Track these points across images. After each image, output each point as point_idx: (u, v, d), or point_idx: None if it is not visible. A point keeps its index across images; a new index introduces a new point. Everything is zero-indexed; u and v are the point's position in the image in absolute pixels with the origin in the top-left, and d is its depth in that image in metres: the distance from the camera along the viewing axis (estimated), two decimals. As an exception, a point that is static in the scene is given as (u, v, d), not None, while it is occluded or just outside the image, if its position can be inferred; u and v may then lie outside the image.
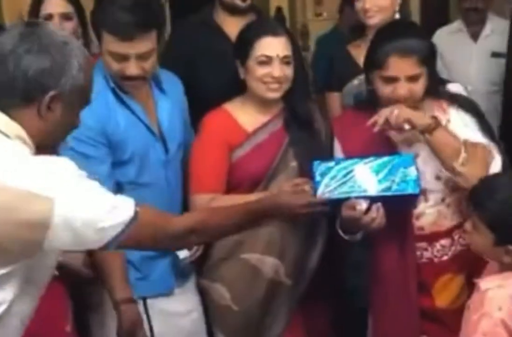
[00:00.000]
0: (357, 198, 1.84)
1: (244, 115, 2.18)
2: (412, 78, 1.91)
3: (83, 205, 1.30)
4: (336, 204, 1.88)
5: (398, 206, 1.90)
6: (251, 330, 2.17)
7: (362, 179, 1.86)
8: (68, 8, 2.55)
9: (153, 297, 2.12)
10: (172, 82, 2.23)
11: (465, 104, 2.03)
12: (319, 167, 1.89)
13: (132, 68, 1.98)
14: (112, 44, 1.96)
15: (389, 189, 1.84)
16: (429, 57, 1.95)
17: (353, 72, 2.47)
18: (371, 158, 1.88)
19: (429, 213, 2.01)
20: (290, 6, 6.33)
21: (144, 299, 2.08)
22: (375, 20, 2.43)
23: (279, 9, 6.02)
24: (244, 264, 2.14)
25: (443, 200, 2.01)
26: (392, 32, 1.99)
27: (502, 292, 1.68)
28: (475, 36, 3.56)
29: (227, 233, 1.80)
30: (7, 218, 1.25)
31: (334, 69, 2.37)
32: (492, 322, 1.64)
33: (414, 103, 1.96)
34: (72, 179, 1.31)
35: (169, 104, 2.17)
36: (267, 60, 2.08)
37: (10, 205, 1.25)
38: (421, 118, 1.90)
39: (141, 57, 1.97)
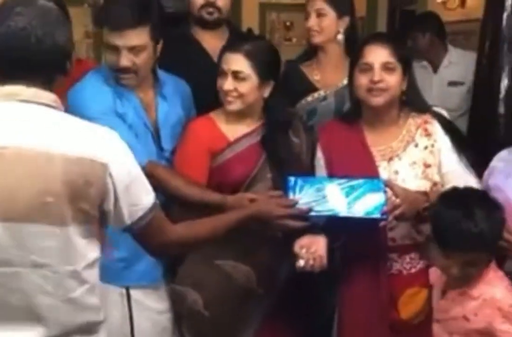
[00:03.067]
0: (327, 216, 1.94)
1: (227, 124, 2.23)
2: (387, 68, 2.03)
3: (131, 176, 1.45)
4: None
5: (364, 227, 1.97)
6: (221, 336, 2.17)
7: (332, 199, 1.94)
8: None
9: (137, 288, 2.11)
10: (172, 87, 2.31)
11: (446, 124, 2.13)
12: (293, 184, 1.96)
13: (123, 60, 2.08)
14: (107, 36, 2.08)
15: (357, 211, 1.92)
16: (404, 56, 2.07)
17: (305, 88, 2.55)
18: (344, 180, 1.96)
19: (402, 226, 2.06)
20: (260, 29, 6.44)
21: (127, 289, 2.08)
22: (316, 39, 2.53)
23: (250, 30, 6.10)
24: (218, 270, 2.16)
25: (417, 214, 2.06)
26: (373, 34, 2.13)
27: (501, 289, 1.76)
28: (435, 67, 3.91)
29: (205, 241, 1.85)
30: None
31: (287, 86, 2.42)
32: None
33: (392, 108, 2.08)
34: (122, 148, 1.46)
35: (166, 108, 2.26)
36: (223, 73, 2.16)
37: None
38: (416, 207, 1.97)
39: (132, 50, 2.08)
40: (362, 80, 2.06)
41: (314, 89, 2.55)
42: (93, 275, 1.44)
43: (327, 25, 2.51)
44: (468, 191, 1.85)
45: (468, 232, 1.70)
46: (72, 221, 1.36)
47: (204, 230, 1.72)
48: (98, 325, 1.46)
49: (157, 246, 1.58)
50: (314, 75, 2.57)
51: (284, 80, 2.38)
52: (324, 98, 2.53)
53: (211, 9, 2.51)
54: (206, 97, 2.28)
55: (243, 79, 2.14)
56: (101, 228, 1.48)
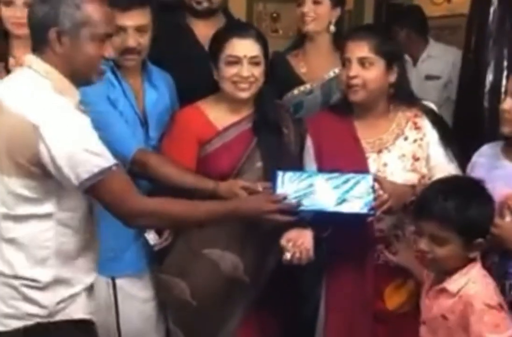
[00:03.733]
0: (315, 211, 1.94)
1: (216, 113, 2.22)
2: (364, 63, 2.04)
3: (66, 139, 1.58)
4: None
5: (352, 222, 1.98)
6: (207, 325, 2.18)
7: (321, 194, 1.95)
8: None
9: (122, 277, 2.12)
10: (161, 77, 2.32)
11: (435, 118, 2.15)
12: (281, 178, 1.96)
13: (131, 40, 2.14)
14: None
15: (345, 207, 1.93)
16: (386, 50, 2.06)
17: (292, 82, 2.55)
18: (333, 174, 1.97)
19: (390, 217, 2.08)
20: (247, 20, 6.41)
21: (113, 279, 2.09)
22: (310, 26, 2.52)
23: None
24: (205, 259, 2.16)
25: (405, 206, 2.08)
26: (359, 26, 2.17)
27: (479, 285, 1.72)
28: (414, 61, 3.93)
29: (183, 226, 1.98)
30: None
31: (273, 78, 2.41)
32: (496, 312, 1.67)
33: (373, 103, 2.09)
34: (67, 116, 1.61)
35: (155, 96, 2.26)
36: (236, 60, 2.13)
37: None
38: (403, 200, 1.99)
39: (138, 30, 2.15)
40: (343, 75, 2.08)
41: (301, 82, 2.54)
42: (37, 224, 1.63)
43: (322, 13, 2.51)
44: (461, 179, 1.88)
45: (440, 203, 1.69)
46: (13, 173, 1.60)
47: (182, 209, 1.76)
48: None
49: (119, 212, 1.68)
50: (301, 68, 2.57)
51: (271, 72, 2.39)
52: (311, 91, 2.53)
53: None
54: (194, 87, 2.28)
55: (257, 64, 2.15)
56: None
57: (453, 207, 1.70)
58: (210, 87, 2.25)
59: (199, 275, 2.16)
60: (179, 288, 2.16)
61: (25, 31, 1.82)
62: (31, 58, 1.70)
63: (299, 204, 1.93)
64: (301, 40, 2.62)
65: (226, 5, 2.99)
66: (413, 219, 1.82)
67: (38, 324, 1.65)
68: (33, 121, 1.57)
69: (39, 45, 1.69)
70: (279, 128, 2.26)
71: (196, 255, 2.17)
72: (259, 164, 2.21)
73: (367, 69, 2.04)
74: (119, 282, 2.11)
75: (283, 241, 1.99)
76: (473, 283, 1.73)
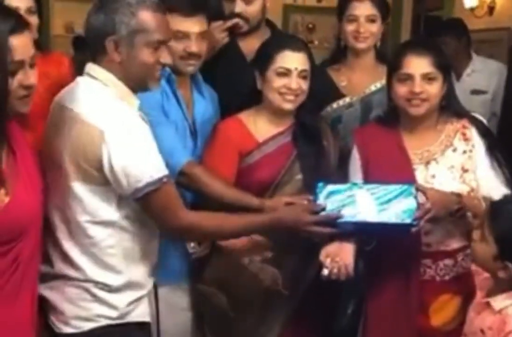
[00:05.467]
0: (356, 223, 1.91)
1: (257, 125, 2.23)
2: (427, 78, 2.03)
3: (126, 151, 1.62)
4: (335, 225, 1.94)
5: (394, 234, 1.96)
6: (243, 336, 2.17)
7: (362, 205, 1.92)
8: (31, 3, 2.44)
9: (164, 286, 2.13)
10: (208, 90, 2.35)
11: (483, 130, 2.12)
12: (323, 189, 1.95)
13: (194, 46, 2.17)
14: (176, 23, 2.09)
15: (387, 217, 1.90)
16: (443, 64, 2.07)
17: (331, 95, 2.54)
18: (374, 185, 1.95)
19: (438, 231, 2.05)
20: (283, 30, 6.44)
21: (155, 287, 2.09)
22: (364, 44, 2.51)
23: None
24: (244, 271, 2.16)
25: (450, 214, 2.03)
26: (411, 41, 2.15)
27: None
28: (458, 75, 3.83)
29: (225, 239, 2.00)
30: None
31: (312, 92, 2.40)
32: None
33: (431, 116, 2.08)
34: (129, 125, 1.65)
35: (204, 106, 2.29)
36: (286, 72, 2.14)
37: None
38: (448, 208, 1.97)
39: (200, 36, 2.17)
40: (402, 90, 2.06)
41: (340, 95, 2.53)
42: (99, 231, 1.67)
43: (376, 31, 2.50)
44: None
45: None
46: (79, 178, 1.64)
47: (224, 223, 1.80)
48: None
49: (165, 225, 1.72)
50: (341, 82, 2.55)
51: (311, 85, 2.40)
52: (350, 105, 2.51)
53: (240, 22, 2.52)
54: (235, 100, 2.30)
55: (305, 77, 2.17)
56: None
57: None
58: (250, 100, 2.26)
59: (238, 287, 2.16)
60: (218, 299, 2.16)
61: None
62: (90, 67, 1.74)
63: (339, 215, 1.91)
64: (341, 53, 2.60)
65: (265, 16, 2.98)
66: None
67: (108, 326, 1.67)
68: (100, 127, 1.61)
69: (97, 53, 1.72)
70: (319, 141, 2.26)
71: (235, 267, 2.16)
72: (299, 176, 2.20)
73: (430, 84, 2.04)
74: (161, 290, 2.11)
75: (322, 256, 1.96)
76: None
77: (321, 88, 2.48)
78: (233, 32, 2.53)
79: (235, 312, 2.15)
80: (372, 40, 2.51)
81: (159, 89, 2.10)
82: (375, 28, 2.49)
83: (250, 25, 2.56)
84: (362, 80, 2.53)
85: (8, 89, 1.44)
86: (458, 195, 1.99)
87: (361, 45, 2.50)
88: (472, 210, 1.97)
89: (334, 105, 2.52)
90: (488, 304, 1.76)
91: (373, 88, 2.50)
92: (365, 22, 2.47)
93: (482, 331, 1.74)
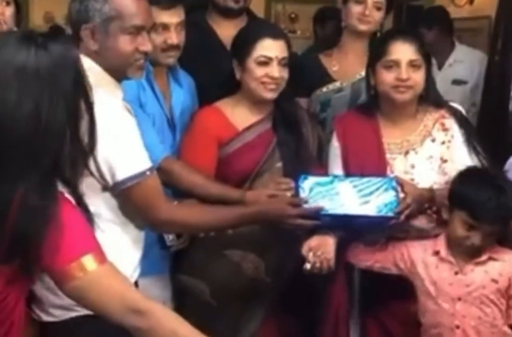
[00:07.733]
0: (339, 215, 1.92)
1: (235, 114, 2.21)
2: (412, 65, 2.03)
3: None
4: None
5: (375, 226, 1.99)
6: (228, 327, 2.16)
7: (343, 198, 1.93)
8: None
9: (143, 278, 2.11)
10: (185, 78, 2.31)
11: (462, 120, 2.13)
12: (304, 181, 1.95)
13: (174, 37, 2.15)
14: (155, 16, 2.02)
15: (369, 210, 1.91)
16: (426, 52, 2.08)
17: (322, 80, 2.53)
18: (356, 178, 1.96)
19: (417, 230, 2.06)
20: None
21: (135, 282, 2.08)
22: (367, 27, 2.49)
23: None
24: (226, 260, 2.15)
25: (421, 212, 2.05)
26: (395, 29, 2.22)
27: None
28: (440, 64, 3.81)
29: (207, 232, 1.99)
30: None
31: (303, 77, 2.41)
32: None
33: (414, 101, 2.08)
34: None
35: (182, 96, 2.25)
36: (267, 61, 2.12)
37: None
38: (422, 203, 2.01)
39: (179, 27, 2.17)
40: (388, 77, 2.05)
41: (331, 80, 2.52)
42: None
43: (379, 18, 2.50)
44: (486, 170, 1.99)
45: (504, 206, 1.84)
46: None
47: (206, 217, 1.80)
48: None
49: (147, 218, 1.70)
50: (332, 66, 2.54)
51: (301, 70, 2.37)
52: (340, 89, 2.50)
53: None
54: (213, 87, 2.27)
55: (285, 65, 2.15)
56: None
57: None
58: (228, 88, 2.24)
59: (219, 275, 2.15)
60: (199, 289, 2.15)
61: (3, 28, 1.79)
62: None
63: (321, 208, 1.91)
64: (336, 40, 2.59)
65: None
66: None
67: (88, 316, 1.60)
68: None
69: (77, 42, 1.68)
70: (298, 128, 2.25)
71: (216, 256, 2.15)
72: (279, 164, 2.19)
73: (415, 71, 2.04)
74: (141, 282, 2.09)
75: (304, 250, 1.98)
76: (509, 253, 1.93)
77: (312, 74, 2.50)
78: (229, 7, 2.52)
79: (217, 301, 2.14)
80: (374, 26, 2.51)
81: (135, 83, 2.06)
82: (380, 15, 2.49)
83: (246, 5, 2.55)
84: (353, 66, 2.51)
85: None
86: (430, 190, 2.01)
87: (363, 27, 2.48)
88: (444, 206, 1.99)
89: (324, 89, 2.51)
90: (490, 258, 1.93)
91: (363, 73, 2.48)
92: (372, 7, 2.46)
93: (493, 280, 1.89)
